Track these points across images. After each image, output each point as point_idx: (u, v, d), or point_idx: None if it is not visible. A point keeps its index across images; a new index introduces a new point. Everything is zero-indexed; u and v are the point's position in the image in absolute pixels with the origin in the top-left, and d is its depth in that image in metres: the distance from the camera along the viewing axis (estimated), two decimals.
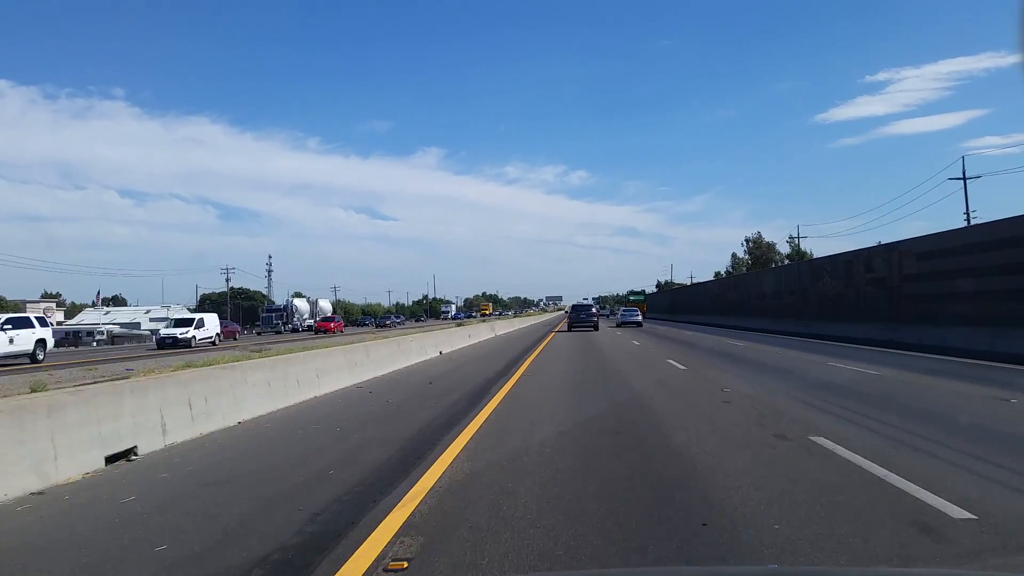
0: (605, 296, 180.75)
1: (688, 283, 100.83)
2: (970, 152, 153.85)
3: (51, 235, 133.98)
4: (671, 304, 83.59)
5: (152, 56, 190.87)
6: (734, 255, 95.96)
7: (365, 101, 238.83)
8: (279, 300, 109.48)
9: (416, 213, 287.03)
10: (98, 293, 76.78)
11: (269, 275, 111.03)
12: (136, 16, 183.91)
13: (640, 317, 50.51)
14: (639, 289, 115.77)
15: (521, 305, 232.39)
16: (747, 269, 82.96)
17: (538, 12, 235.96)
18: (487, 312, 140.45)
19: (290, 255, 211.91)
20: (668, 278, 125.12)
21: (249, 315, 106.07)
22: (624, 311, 54.82)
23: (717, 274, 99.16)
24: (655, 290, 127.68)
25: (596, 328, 38.29)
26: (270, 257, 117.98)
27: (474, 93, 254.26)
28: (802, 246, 79.48)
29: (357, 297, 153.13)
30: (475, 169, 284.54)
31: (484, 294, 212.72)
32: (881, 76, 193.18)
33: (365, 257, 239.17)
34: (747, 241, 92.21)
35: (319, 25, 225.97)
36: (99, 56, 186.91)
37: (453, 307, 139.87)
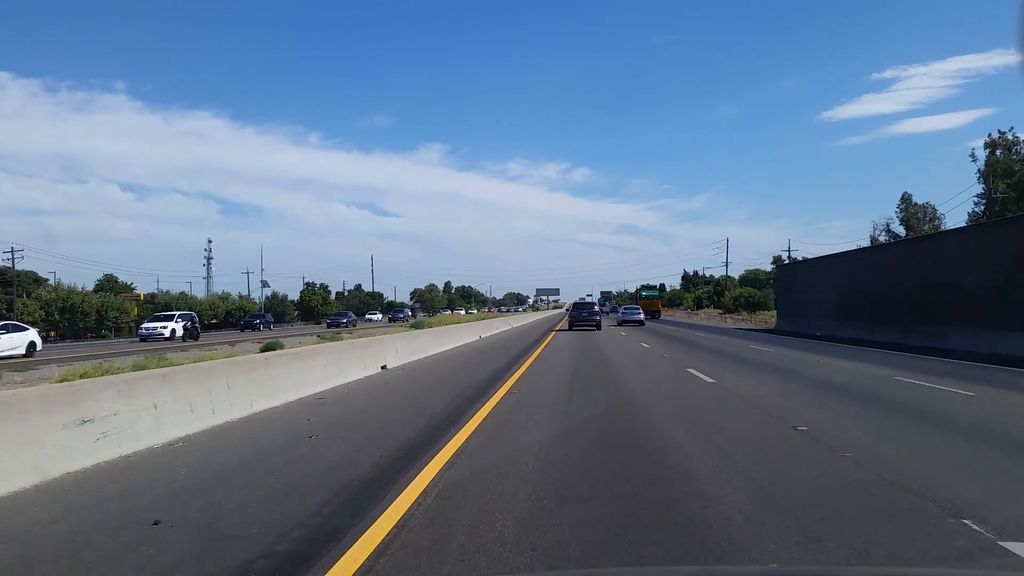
0: (612, 293, 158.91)
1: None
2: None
3: (51, 229, 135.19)
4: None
5: (154, 50, 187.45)
6: (906, 197, 61.74)
7: (367, 97, 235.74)
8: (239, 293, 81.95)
9: (418, 209, 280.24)
10: None
11: (208, 263, 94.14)
12: (137, 9, 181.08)
13: (642, 315, 50.09)
14: (653, 284, 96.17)
15: (515, 302, 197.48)
16: (977, 219, 50.57)
17: (541, 8, 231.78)
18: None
19: (292, 251, 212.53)
20: (723, 261, 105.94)
21: None
22: (625, 309, 54.23)
23: (786, 258, 74.89)
24: (681, 284, 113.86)
25: (599, 328, 38.87)
26: (210, 242, 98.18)
27: (476, 90, 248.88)
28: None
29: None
30: (477, 166, 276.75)
31: (448, 286, 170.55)
32: (888, 74, 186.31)
33: (367, 253, 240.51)
34: (990, 146, 52.41)
35: (321, 20, 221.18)
36: (100, 49, 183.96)
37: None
